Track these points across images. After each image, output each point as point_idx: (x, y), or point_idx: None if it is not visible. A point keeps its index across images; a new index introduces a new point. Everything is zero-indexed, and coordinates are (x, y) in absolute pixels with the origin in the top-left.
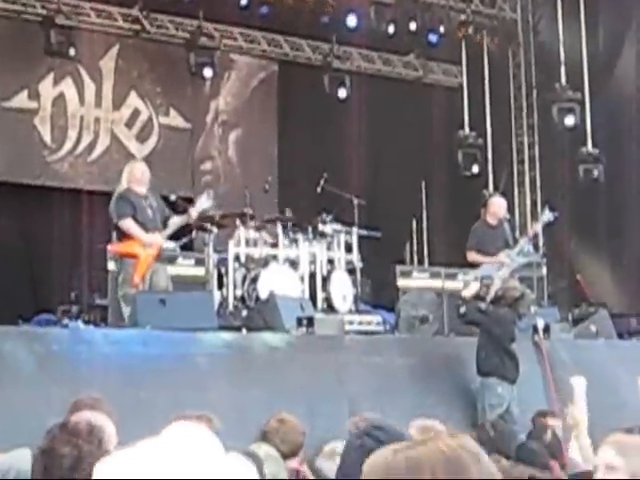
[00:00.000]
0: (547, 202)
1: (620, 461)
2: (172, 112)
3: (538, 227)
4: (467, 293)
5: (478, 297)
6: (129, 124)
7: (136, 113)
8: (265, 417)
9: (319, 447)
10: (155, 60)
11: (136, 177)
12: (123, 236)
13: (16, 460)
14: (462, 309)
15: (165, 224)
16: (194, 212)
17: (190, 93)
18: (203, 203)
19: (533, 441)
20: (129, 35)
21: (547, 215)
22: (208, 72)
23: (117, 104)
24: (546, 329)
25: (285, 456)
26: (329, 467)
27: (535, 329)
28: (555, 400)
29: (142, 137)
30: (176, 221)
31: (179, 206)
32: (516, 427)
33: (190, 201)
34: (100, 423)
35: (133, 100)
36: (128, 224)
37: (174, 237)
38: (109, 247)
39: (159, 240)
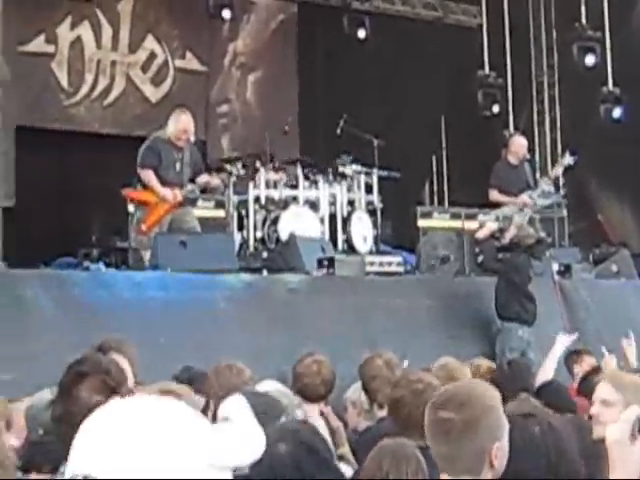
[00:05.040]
0: (568, 144)
1: (616, 396)
2: (188, 55)
3: (559, 170)
4: (481, 234)
5: (493, 237)
6: (145, 67)
7: (152, 56)
8: (285, 359)
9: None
10: (173, 3)
11: (178, 129)
12: (142, 183)
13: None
14: (480, 258)
15: (194, 179)
16: (215, 180)
17: (207, 36)
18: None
19: (558, 381)
20: None
21: (568, 159)
22: (227, 14)
23: (133, 47)
24: (567, 269)
25: (316, 398)
26: None
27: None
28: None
29: (157, 80)
30: (199, 183)
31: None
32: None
33: (203, 144)
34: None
35: (150, 43)
36: (147, 175)
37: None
38: (124, 190)
39: (176, 197)
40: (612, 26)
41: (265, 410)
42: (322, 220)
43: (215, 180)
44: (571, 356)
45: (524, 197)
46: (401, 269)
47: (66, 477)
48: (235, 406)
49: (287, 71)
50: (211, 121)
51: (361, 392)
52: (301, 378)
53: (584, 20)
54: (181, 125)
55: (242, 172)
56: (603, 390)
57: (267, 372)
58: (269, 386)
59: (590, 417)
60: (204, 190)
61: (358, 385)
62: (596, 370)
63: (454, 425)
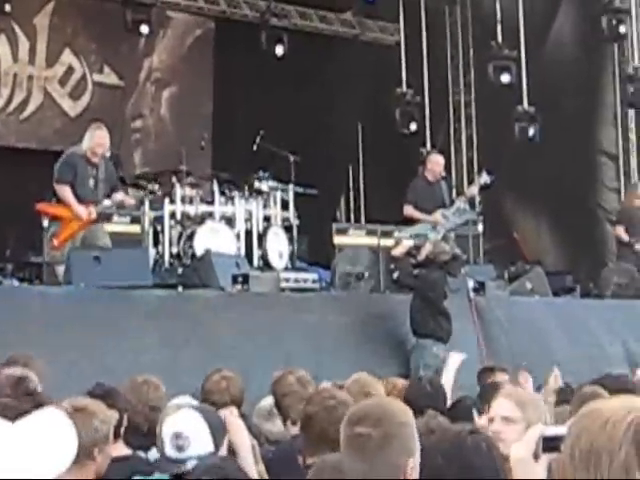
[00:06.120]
0: (484, 162)
1: (518, 414)
2: (106, 69)
3: (474, 189)
4: (397, 252)
5: (409, 254)
6: (62, 81)
7: (70, 70)
8: (199, 375)
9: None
10: (90, 17)
11: (93, 144)
12: (58, 198)
13: None
14: (395, 274)
15: (110, 194)
16: (130, 200)
17: (125, 50)
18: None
19: (468, 398)
20: None
21: (484, 177)
22: (145, 29)
23: (51, 61)
24: (481, 286)
25: None
26: (268, 429)
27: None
28: (485, 358)
29: (75, 95)
30: (114, 201)
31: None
32: None
33: (117, 157)
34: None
35: (67, 57)
36: (62, 190)
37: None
38: (38, 205)
39: (91, 214)
40: (527, 46)
41: (217, 425)
42: (238, 236)
43: (130, 200)
44: (484, 373)
45: (437, 215)
46: (316, 286)
47: None
48: (190, 421)
49: (202, 87)
50: (125, 136)
51: (259, 418)
52: (209, 395)
53: (500, 39)
54: (96, 140)
55: (158, 188)
56: (504, 407)
57: (181, 388)
58: (182, 402)
59: None
60: (119, 206)
61: (259, 407)
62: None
63: (371, 440)
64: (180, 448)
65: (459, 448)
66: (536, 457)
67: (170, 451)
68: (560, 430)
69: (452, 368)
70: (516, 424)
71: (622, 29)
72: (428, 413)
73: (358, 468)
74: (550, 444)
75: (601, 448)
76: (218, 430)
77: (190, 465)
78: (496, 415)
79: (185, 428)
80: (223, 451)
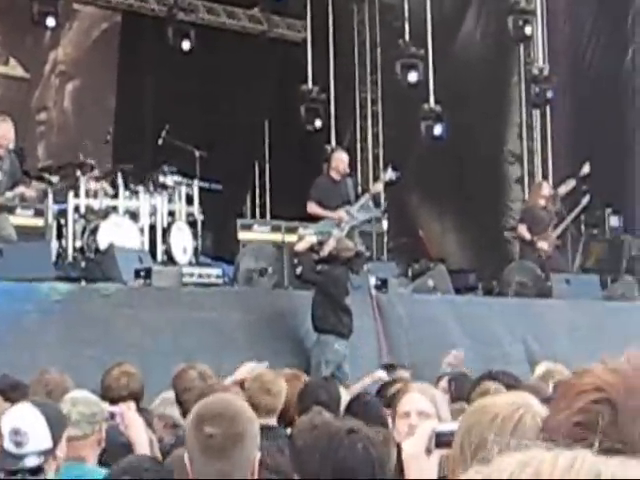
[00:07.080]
0: (390, 160)
1: (432, 409)
2: (12, 61)
3: (379, 186)
4: (299, 247)
5: (312, 250)
6: None
7: None
8: (100, 370)
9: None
10: None
11: None
12: None
13: None
14: (298, 270)
15: (13, 187)
16: (31, 192)
17: (31, 42)
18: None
19: (368, 394)
20: None
21: (389, 174)
22: (51, 22)
23: None
24: (384, 284)
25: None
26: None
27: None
28: (385, 355)
29: None
30: (15, 193)
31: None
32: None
33: (22, 150)
34: None
35: None
36: None
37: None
38: None
39: None
40: (435, 44)
41: (56, 420)
42: (142, 230)
43: (30, 192)
44: (385, 370)
45: (341, 212)
46: (220, 281)
47: None
48: (28, 416)
49: (107, 80)
50: (29, 129)
51: (167, 406)
52: (108, 390)
53: (407, 38)
54: (0, 133)
55: (61, 181)
56: (420, 402)
57: (81, 383)
58: (79, 395)
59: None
60: (20, 199)
61: (164, 397)
62: (391, 383)
63: (228, 439)
64: (19, 444)
65: (335, 449)
66: (428, 452)
67: (9, 446)
68: (453, 426)
69: (369, 380)
70: (431, 419)
71: (528, 30)
72: (314, 409)
73: (219, 468)
74: (443, 439)
75: (490, 442)
76: (57, 425)
77: (28, 461)
78: (412, 410)
79: (23, 424)
80: (62, 446)
